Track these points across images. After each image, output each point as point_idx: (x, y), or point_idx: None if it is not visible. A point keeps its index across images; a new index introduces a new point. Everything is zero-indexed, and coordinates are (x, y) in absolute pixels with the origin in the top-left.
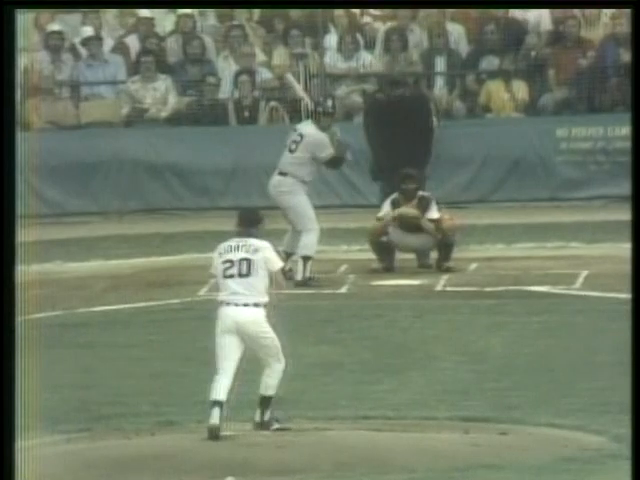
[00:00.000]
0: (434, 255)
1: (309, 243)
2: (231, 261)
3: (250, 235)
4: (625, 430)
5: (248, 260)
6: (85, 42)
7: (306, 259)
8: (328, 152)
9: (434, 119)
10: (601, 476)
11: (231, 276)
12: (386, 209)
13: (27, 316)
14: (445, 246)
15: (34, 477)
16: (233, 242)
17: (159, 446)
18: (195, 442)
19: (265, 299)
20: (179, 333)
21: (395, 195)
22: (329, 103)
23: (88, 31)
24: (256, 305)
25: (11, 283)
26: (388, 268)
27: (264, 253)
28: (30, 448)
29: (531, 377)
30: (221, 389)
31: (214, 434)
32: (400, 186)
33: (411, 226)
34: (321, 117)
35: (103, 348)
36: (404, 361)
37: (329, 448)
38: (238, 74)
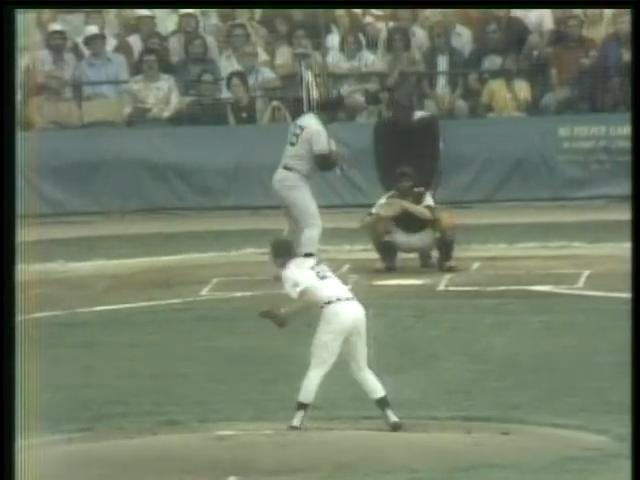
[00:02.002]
0: (436, 255)
1: (310, 239)
2: (317, 269)
3: (283, 264)
4: (627, 430)
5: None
6: (88, 40)
7: (306, 256)
8: (321, 147)
9: (441, 143)
10: (603, 476)
11: (325, 277)
12: (377, 207)
13: (29, 315)
14: (445, 245)
15: (35, 477)
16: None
17: (161, 446)
18: (197, 442)
19: None
20: (180, 333)
21: (391, 193)
22: (334, 96)
23: (92, 30)
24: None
25: (11, 283)
26: (390, 268)
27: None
28: (32, 448)
29: (533, 377)
30: (311, 390)
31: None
32: (396, 184)
33: (412, 224)
34: (325, 108)
35: (104, 347)
36: (406, 361)
37: (331, 448)
38: (230, 76)
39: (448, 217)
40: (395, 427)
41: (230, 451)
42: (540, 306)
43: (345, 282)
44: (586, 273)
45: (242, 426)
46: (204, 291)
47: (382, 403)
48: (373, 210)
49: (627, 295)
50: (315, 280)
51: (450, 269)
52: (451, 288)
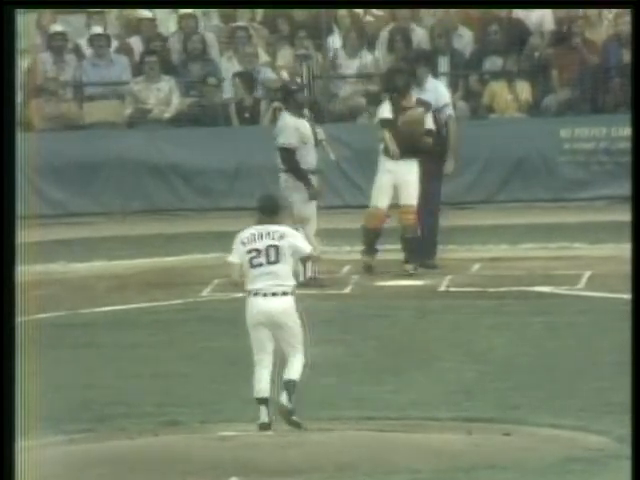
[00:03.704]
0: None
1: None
2: (257, 250)
3: (272, 223)
4: (628, 430)
5: (275, 247)
6: (93, 40)
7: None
8: (279, 140)
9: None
10: (604, 476)
11: (259, 265)
12: (387, 107)
13: (31, 316)
14: (402, 240)
15: (36, 478)
16: (255, 230)
17: (162, 446)
18: (199, 442)
19: (293, 284)
20: (182, 333)
21: (390, 95)
22: (292, 85)
23: (98, 30)
24: (285, 294)
25: (11, 283)
26: (370, 267)
27: (290, 239)
28: (32, 449)
29: (534, 377)
30: (263, 385)
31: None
32: (391, 84)
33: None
34: (291, 100)
35: (106, 348)
36: (407, 361)
37: (332, 449)
38: (234, 76)
39: (412, 212)
40: (281, 409)
41: (232, 452)
42: (541, 307)
43: (346, 283)
44: (587, 274)
45: (243, 427)
46: (205, 292)
47: (287, 384)
48: (381, 118)
49: (628, 296)
50: (246, 265)
51: (406, 272)
52: (452, 289)
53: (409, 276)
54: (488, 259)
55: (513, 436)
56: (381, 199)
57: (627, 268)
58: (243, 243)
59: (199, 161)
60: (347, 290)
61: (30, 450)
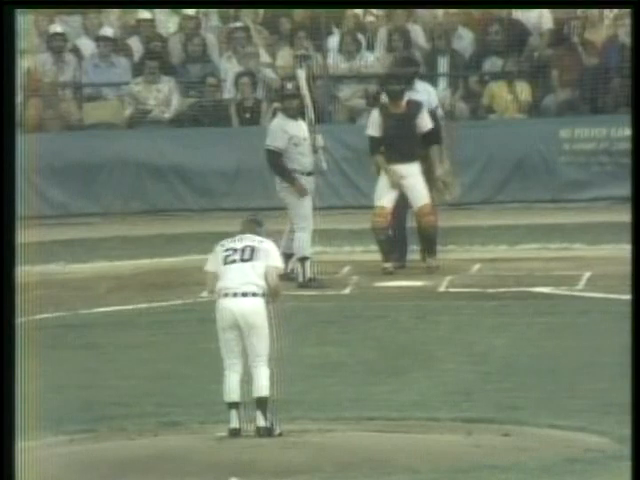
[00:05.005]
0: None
1: (302, 244)
2: (234, 249)
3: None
4: (628, 431)
5: (252, 247)
6: (100, 40)
7: (303, 260)
8: (266, 142)
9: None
10: (604, 477)
11: (232, 262)
12: (374, 120)
13: (31, 317)
14: (424, 239)
15: (36, 477)
16: (237, 236)
17: (162, 447)
18: (198, 443)
19: (264, 287)
20: (182, 334)
21: (381, 101)
22: (289, 85)
23: (108, 32)
24: (254, 294)
25: (11, 283)
26: (400, 265)
27: (268, 246)
28: (33, 449)
29: (534, 378)
30: (233, 389)
31: (236, 436)
32: (385, 87)
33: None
34: (285, 101)
35: (106, 349)
36: (407, 362)
37: (332, 449)
38: (239, 76)
39: (430, 213)
40: (258, 431)
41: (231, 452)
42: (541, 307)
43: (345, 284)
44: (587, 275)
45: (243, 427)
46: (205, 293)
47: (259, 403)
48: (369, 131)
49: (627, 297)
50: (219, 265)
51: (430, 268)
52: (452, 289)
53: (409, 276)
54: (488, 260)
55: (513, 436)
56: (383, 199)
57: (627, 269)
58: (222, 245)
59: (199, 162)
60: (346, 291)
61: (30, 450)
